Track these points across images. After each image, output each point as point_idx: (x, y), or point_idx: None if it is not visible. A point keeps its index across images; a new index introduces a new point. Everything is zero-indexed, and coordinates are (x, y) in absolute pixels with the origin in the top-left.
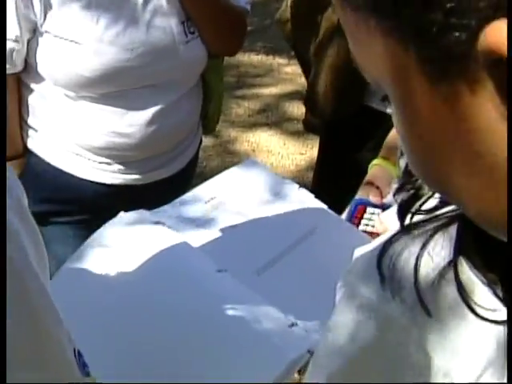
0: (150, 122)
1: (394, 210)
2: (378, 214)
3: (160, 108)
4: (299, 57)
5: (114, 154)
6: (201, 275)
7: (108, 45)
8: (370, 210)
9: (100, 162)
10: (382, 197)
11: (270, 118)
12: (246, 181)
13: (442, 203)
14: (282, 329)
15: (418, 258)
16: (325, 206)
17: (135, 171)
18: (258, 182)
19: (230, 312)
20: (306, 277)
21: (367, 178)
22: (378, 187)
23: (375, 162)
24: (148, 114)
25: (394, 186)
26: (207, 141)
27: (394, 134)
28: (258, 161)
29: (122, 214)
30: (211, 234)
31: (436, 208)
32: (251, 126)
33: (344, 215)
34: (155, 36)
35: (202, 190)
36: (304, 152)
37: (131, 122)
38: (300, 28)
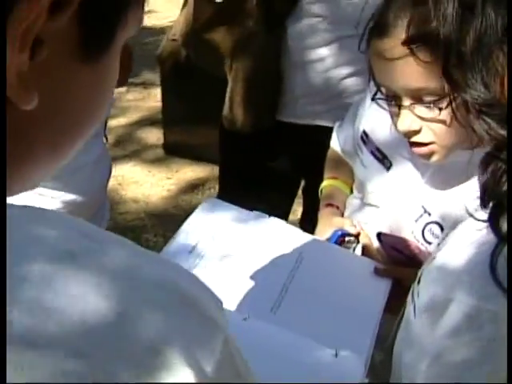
0: (91, 178)
1: (371, 228)
2: (354, 242)
3: (94, 161)
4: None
5: None
6: (234, 328)
7: None
8: (347, 238)
9: None
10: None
11: (127, 148)
12: (217, 221)
13: None
14: (331, 360)
15: None
16: (299, 230)
17: None
18: (230, 220)
19: (279, 356)
20: (317, 304)
21: (325, 200)
22: (337, 207)
23: (326, 183)
24: (87, 170)
25: (350, 201)
26: None
27: (333, 153)
28: (217, 199)
29: None
30: (209, 283)
31: None
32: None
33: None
34: None
35: (180, 240)
36: (171, 176)
37: (76, 187)
38: (202, 51)
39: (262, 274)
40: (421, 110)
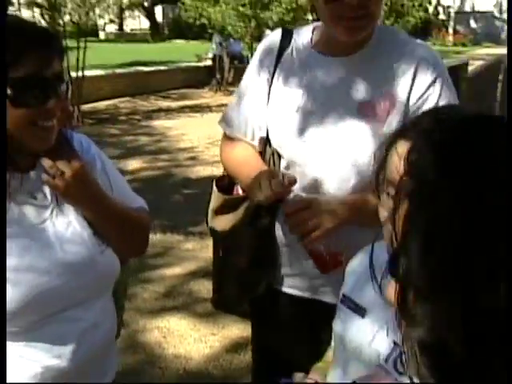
0: (78, 346)
1: None
2: None
3: (85, 328)
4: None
5: None
6: None
7: (25, 272)
8: None
9: None
10: None
11: (178, 299)
12: None
13: None
14: None
15: None
16: None
17: None
18: None
19: None
20: None
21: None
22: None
23: (319, 364)
24: (73, 338)
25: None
26: None
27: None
28: None
29: None
30: None
31: None
32: (159, 310)
33: None
34: (71, 252)
35: None
36: (216, 332)
37: (59, 352)
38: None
39: None
40: None
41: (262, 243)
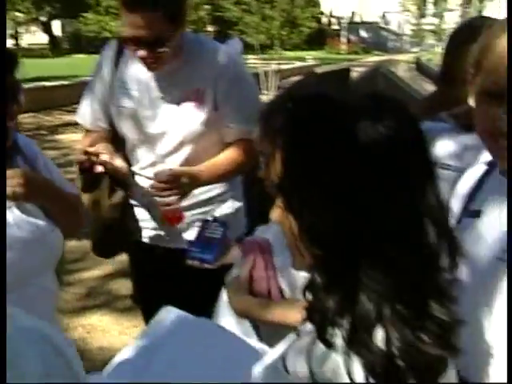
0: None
1: None
2: None
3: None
4: None
5: None
6: None
7: None
8: None
9: None
10: None
11: (99, 298)
12: (170, 330)
13: None
14: None
15: None
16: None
17: None
18: (181, 329)
19: None
20: None
21: None
22: None
23: None
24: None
25: None
26: None
27: None
28: (173, 308)
29: None
30: None
31: None
32: (81, 310)
33: None
34: (28, 231)
35: (137, 344)
36: (137, 324)
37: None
38: None
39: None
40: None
41: (119, 214)
